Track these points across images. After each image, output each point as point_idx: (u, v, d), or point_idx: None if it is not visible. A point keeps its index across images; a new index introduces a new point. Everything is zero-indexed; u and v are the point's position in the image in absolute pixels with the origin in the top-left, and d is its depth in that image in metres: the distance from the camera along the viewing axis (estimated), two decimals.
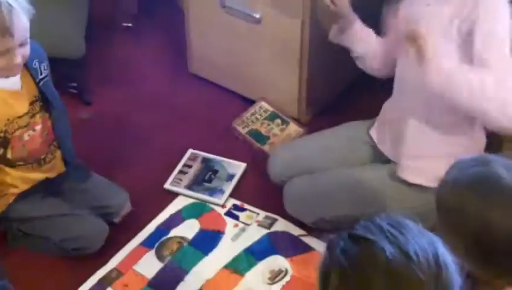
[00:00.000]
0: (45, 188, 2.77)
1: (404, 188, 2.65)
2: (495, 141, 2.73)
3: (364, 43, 2.76)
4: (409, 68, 2.50)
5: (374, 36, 2.76)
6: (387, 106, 2.78)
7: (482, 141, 2.66)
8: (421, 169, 2.62)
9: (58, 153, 2.77)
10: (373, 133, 2.83)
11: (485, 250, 1.69)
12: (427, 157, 2.60)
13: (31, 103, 2.58)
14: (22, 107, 2.55)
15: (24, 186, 2.72)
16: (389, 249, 1.33)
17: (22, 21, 2.36)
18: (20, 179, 2.70)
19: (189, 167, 3.14)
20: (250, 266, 2.76)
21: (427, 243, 1.36)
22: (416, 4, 2.48)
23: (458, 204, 1.73)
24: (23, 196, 2.72)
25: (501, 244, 1.67)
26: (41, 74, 2.59)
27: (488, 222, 1.68)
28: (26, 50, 2.43)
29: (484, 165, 1.77)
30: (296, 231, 2.88)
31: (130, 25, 3.81)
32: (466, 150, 2.50)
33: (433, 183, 2.48)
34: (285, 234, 2.87)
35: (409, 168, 2.64)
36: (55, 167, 2.79)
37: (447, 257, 1.37)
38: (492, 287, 1.73)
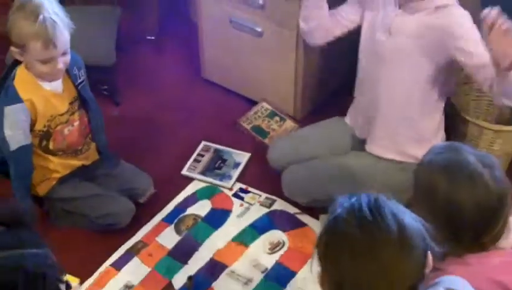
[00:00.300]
0: (82, 174, 2.79)
1: (382, 170, 2.69)
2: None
3: (317, 17, 2.77)
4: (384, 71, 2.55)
5: (326, 10, 2.75)
6: (358, 96, 2.82)
7: (442, 131, 2.70)
8: (385, 146, 2.68)
9: (93, 145, 2.80)
10: (347, 118, 2.88)
11: (451, 224, 1.73)
12: (390, 137, 2.66)
13: (71, 103, 2.61)
14: (62, 106, 2.58)
15: (64, 172, 2.74)
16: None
17: (63, 34, 2.40)
18: (61, 166, 2.72)
19: (202, 156, 3.15)
20: (253, 238, 2.78)
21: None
22: None
23: (431, 184, 1.77)
24: (63, 180, 2.74)
25: (466, 220, 1.72)
26: (79, 79, 2.62)
27: (456, 200, 1.72)
28: (67, 59, 2.47)
29: (456, 151, 1.81)
30: (292, 209, 2.90)
31: (152, 38, 3.80)
32: (425, 132, 2.59)
33: (397, 157, 2.54)
34: (282, 212, 2.89)
35: (376, 146, 2.71)
36: (90, 156, 2.81)
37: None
38: (458, 254, 1.76)
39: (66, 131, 2.63)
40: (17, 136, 2.50)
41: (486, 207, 1.72)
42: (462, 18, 2.37)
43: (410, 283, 1.34)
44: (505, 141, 2.82)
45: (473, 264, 1.75)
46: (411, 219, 1.39)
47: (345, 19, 2.71)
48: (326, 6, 2.73)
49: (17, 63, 2.52)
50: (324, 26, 2.76)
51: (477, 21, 2.23)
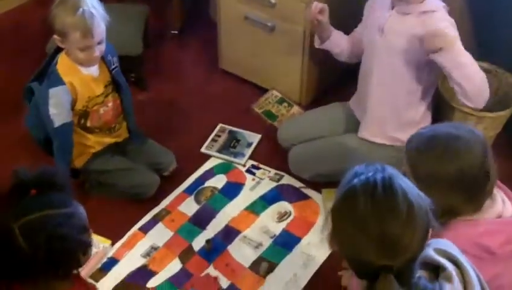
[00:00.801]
0: (114, 149, 2.84)
1: (374, 148, 2.73)
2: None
3: (339, 46, 2.85)
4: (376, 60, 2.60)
5: (345, 38, 2.85)
6: (358, 86, 2.86)
7: (429, 119, 2.73)
8: (374, 132, 2.72)
9: (124, 124, 2.85)
10: (350, 103, 2.92)
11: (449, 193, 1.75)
12: (379, 125, 2.71)
13: (105, 86, 2.66)
14: (98, 88, 2.64)
15: (99, 148, 2.79)
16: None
17: (100, 26, 2.46)
18: (96, 143, 2.77)
19: (219, 136, 3.19)
20: (263, 208, 2.82)
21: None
22: None
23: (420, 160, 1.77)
24: (98, 154, 2.79)
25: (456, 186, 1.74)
26: (113, 65, 2.67)
27: (436, 171, 1.73)
28: (103, 47, 2.53)
29: (433, 129, 1.84)
30: (297, 184, 2.94)
31: (176, 32, 3.83)
32: (415, 120, 2.62)
33: (386, 142, 2.56)
34: (289, 186, 2.93)
35: (366, 131, 2.75)
36: (121, 134, 2.86)
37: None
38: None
39: (101, 111, 2.68)
40: (60, 114, 2.55)
41: (470, 172, 1.72)
42: (444, 23, 2.38)
43: (411, 256, 1.34)
44: (487, 126, 2.86)
45: (460, 230, 1.75)
46: (419, 198, 1.38)
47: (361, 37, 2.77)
48: (343, 40, 2.86)
49: (58, 50, 2.58)
50: (346, 51, 2.87)
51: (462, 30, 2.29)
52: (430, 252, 1.50)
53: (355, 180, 1.39)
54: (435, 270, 1.49)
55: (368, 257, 1.32)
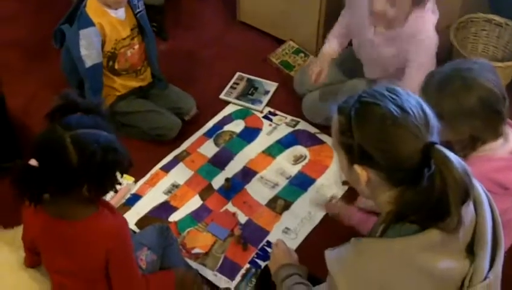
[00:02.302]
0: (138, 93, 2.93)
1: None
2: None
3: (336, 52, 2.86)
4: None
5: (336, 42, 2.85)
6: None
7: None
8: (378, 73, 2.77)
9: (148, 68, 2.93)
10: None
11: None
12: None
13: (131, 29, 2.74)
14: (125, 31, 2.71)
15: (124, 91, 2.88)
16: (394, 108, 1.35)
17: None
18: (122, 86, 2.86)
19: (237, 84, 3.26)
20: (280, 152, 2.91)
21: (415, 102, 1.38)
22: None
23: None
24: (122, 97, 2.88)
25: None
26: (138, 8, 2.74)
27: (459, 103, 1.81)
28: None
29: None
30: (312, 129, 3.03)
31: None
32: None
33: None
34: (305, 131, 3.02)
35: (371, 74, 2.80)
36: (146, 78, 2.94)
37: (429, 109, 1.40)
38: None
39: (128, 53, 2.76)
40: (91, 55, 2.63)
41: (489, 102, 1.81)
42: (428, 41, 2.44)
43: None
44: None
45: (476, 165, 1.78)
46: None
47: None
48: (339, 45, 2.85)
49: None
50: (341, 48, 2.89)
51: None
52: None
53: (363, 94, 1.42)
54: None
55: (412, 146, 1.34)
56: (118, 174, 1.74)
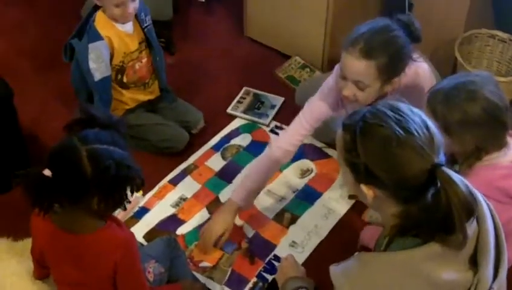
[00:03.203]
0: (146, 106, 2.93)
1: None
2: None
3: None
4: None
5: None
6: None
7: None
8: None
9: (156, 82, 2.94)
10: None
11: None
12: None
13: (139, 43, 2.75)
14: (133, 45, 2.73)
15: (132, 104, 2.89)
16: (398, 130, 1.36)
17: None
18: (130, 99, 2.87)
19: (244, 98, 3.25)
20: (287, 165, 2.86)
21: (419, 120, 1.41)
22: None
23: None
24: (131, 110, 2.89)
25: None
26: (146, 23, 2.75)
27: (464, 115, 1.85)
28: (136, 4, 2.62)
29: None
30: (319, 144, 3.02)
31: (203, 0, 3.84)
32: None
33: None
34: (311, 145, 3.01)
35: None
36: (154, 91, 2.94)
37: (433, 126, 1.42)
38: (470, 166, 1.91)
39: (136, 66, 2.78)
40: (100, 68, 2.64)
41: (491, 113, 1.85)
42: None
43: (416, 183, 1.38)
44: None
45: (481, 174, 1.88)
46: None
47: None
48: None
49: (95, 9, 2.67)
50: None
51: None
52: None
53: (367, 114, 1.42)
54: None
55: (418, 166, 1.35)
56: (129, 192, 1.75)
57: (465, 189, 1.32)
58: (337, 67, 2.29)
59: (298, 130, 2.39)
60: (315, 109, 2.37)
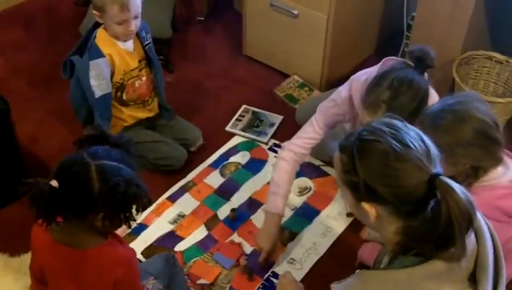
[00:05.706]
0: (145, 124, 2.93)
1: None
2: None
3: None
4: None
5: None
6: None
7: None
8: None
9: (155, 100, 2.94)
10: None
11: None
12: None
13: (139, 61, 2.76)
14: (133, 63, 2.73)
15: (131, 122, 2.89)
16: (394, 144, 1.37)
17: (136, 1, 2.56)
18: (129, 116, 2.87)
19: (243, 116, 3.26)
20: None
21: (414, 134, 1.41)
22: None
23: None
24: (129, 127, 2.88)
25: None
26: (146, 41, 2.76)
27: (454, 136, 1.83)
28: (138, 22, 2.62)
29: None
30: (317, 162, 3.02)
31: (202, 18, 3.89)
32: None
33: None
34: (309, 163, 3.00)
35: None
36: (153, 109, 2.95)
37: (428, 139, 1.42)
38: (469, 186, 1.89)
39: (136, 84, 2.78)
40: (101, 85, 2.65)
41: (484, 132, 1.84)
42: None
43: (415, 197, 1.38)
44: (498, 111, 2.90)
45: (480, 194, 1.85)
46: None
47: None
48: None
49: (96, 27, 2.68)
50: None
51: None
52: None
53: (363, 132, 1.43)
54: None
55: (417, 178, 1.36)
56: (134, 211, 1.74)
57: (465, 197, 1.32)
58: (353, 86, 2.40)
59: (310, 134, 2.53)
60: (328, 115, 2.50)
